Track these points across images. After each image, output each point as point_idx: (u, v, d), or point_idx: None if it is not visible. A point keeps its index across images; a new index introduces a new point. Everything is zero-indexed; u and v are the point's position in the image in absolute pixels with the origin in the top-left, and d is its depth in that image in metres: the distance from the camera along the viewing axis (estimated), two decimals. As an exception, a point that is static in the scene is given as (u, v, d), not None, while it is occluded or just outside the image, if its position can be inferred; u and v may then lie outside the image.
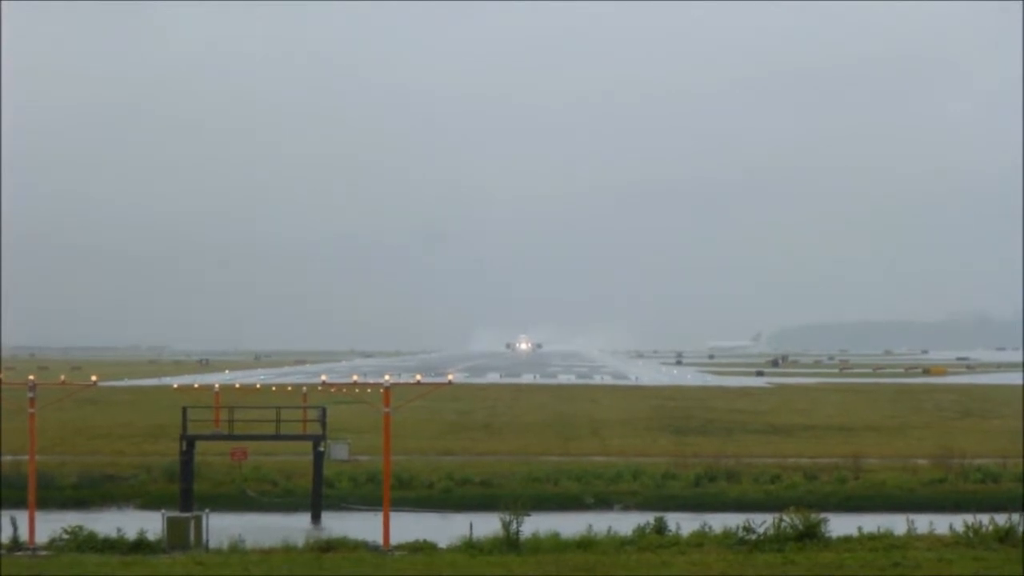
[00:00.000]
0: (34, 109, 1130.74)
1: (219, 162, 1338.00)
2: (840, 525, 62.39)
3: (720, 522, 64.07)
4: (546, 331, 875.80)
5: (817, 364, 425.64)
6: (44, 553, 60.11)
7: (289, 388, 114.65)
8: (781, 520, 60.41)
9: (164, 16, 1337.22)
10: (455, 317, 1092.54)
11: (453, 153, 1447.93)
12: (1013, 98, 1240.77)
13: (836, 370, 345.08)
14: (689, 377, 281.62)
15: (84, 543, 60.62)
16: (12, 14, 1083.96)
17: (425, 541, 61.35)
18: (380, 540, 61.62)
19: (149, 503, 79.54)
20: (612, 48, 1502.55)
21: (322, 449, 79.53)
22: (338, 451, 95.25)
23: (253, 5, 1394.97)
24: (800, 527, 59.90)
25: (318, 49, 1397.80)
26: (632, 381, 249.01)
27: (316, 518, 76.70)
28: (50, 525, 65.13)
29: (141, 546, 60.54)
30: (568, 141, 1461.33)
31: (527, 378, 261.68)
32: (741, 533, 60.20)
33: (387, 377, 66.89)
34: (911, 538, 61.45)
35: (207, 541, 62.31)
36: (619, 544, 60.16)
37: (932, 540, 61.06)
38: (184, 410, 79.06)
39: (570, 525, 65.50)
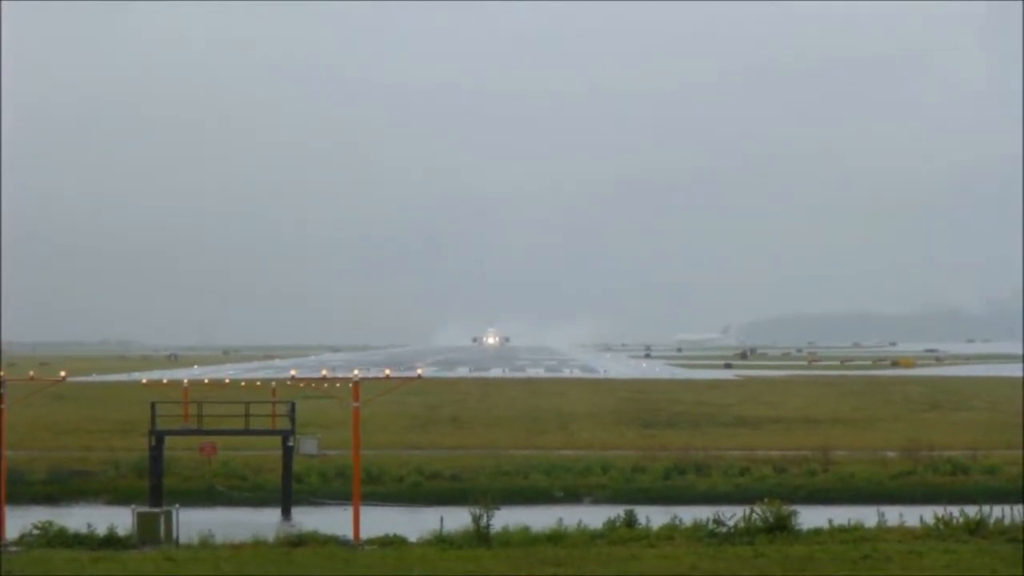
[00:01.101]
0: (34, 109, 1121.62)
1: (221, 161, 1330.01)
2: (810, 518, 62.59)
3: (690, 515, 64.17)
4: (514, 325, 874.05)
5: (785, 357, 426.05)
6: (13, 549, 59.83)
7: (258, 383, 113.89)
8: (751, 513, 60.54)
9: (165, 16, 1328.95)
10: (422, 311, 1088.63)
11: (451, 152, 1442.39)
12: (1013, 98, 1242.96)
13: (804, 363, 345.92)
14: (657, 370, 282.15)
15: (54, 539, 60.41)
16: (12, 14, 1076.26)
17: (395, 535, 61.31)
18: (350, 534, 61.54)
19: (118, 498, 79.27)
20: (612, 47, 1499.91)
21: (291, 444, 79.35)
22: (307, 446, 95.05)
23: (253, 5, 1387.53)
24: (770, 520, 60.04)
25: (318, 49, 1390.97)
26: (601, 374, 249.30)
27: (286, 513, 76.55)
28: (19, 521, 64.87)
29: (111, 541, 60.31)
30: (564, 140, 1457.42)
31: (496, 372, 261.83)
32: (711, 526, 60.31)
33: (356, 371, 66.81)
34: (881, 530, 61.68)
35: (177, 536, 62.16)
36: (589, 537, 60.23)
37: (902, 532, 61.30)
38: (153, 405, 78.65)
39: (540, 519, 65.47)
